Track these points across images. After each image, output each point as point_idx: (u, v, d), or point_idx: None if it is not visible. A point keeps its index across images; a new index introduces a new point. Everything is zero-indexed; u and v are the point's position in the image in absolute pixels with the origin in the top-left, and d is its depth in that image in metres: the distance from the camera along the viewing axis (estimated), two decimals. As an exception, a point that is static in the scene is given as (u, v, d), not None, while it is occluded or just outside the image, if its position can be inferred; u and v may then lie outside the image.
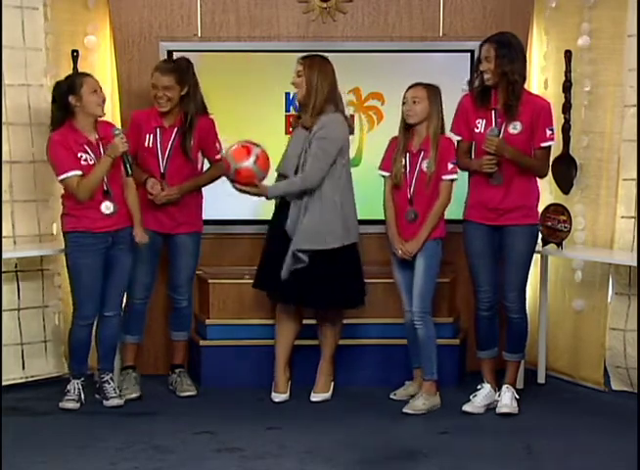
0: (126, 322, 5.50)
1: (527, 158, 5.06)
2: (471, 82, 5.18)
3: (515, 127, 5.05)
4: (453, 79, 5.46)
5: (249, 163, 5.11)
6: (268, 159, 5.17)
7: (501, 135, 5.04)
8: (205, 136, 5.43)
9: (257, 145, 5.16)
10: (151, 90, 5.34)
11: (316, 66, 5.23)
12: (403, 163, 5.19)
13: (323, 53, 5.32)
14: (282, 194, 5.25)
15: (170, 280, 5.55)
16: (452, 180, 5.16)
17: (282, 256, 5.22)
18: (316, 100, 5.21)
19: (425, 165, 5.15)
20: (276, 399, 5.38)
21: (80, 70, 5.56)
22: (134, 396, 5.40)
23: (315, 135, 5.20)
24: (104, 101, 5.14)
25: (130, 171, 5.12)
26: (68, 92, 5.04)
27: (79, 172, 5.02)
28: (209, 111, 5.46)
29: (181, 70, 5.35)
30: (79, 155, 5.04)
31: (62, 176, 5.04)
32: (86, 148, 5.06)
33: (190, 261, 5.51)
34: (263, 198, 5.27)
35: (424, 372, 5.27)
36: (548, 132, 5.07)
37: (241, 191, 5.19)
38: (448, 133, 5.21)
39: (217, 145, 5.47)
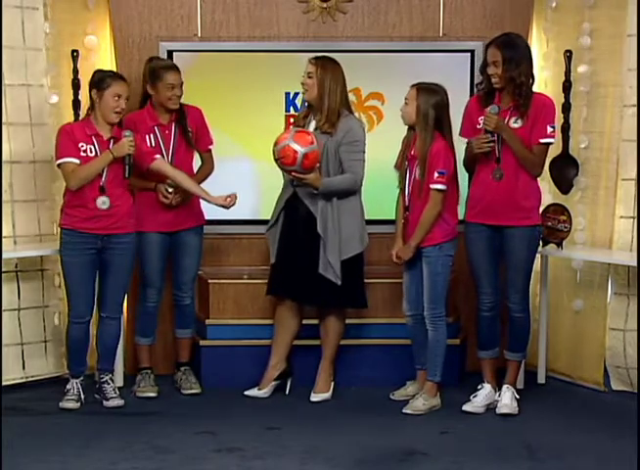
0: (140, 325, 5.56)
1: (524, 147, 5.02)
2: (480, 84, 5.15)
3: (516, 122, 5.05)
4: (453, 79, 5.46)
5: (314, 145, 5.10)
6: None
7: None
8: (200, 124, 5.48)
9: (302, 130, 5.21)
10: (164, 91, 5.31)
11: (329, 68, 5.22)
12: (406, 166, 5.18)
13: (323, 53, 5.33)
14: (333, 189, 5.21)
15: (175, 279, 5.56)
16: (438, 190, 5.08)
17: (298, 259, 5.24)
18: (330, 103, 5.21)
19: (417, 172, 5.13)
20: (247, 393, 5.39)
21: (80, 70, 5.57)
22: (152, 395, 5.45)
23: (344, 140, 5.21)
24: (122, 110, 5.11)
25: (128, 175, 5.12)
26: (94, 85, 5.08)
27: (76, 160, 5.03)
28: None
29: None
30: (80, 144, 5.05)
31: (58, 161, 5.08)
32: (93, 140, 5.07)
33: (194, 260, 5.53)
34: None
35: (427, 373, 5.27)
36: (549, 129, 5.04)
37: (299, 179, 5.14)
38: (457, 137, 5.17)
39: (210, 134, 5.52)
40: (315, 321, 5.45)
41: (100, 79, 5.09)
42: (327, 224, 5.22)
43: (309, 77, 5.24)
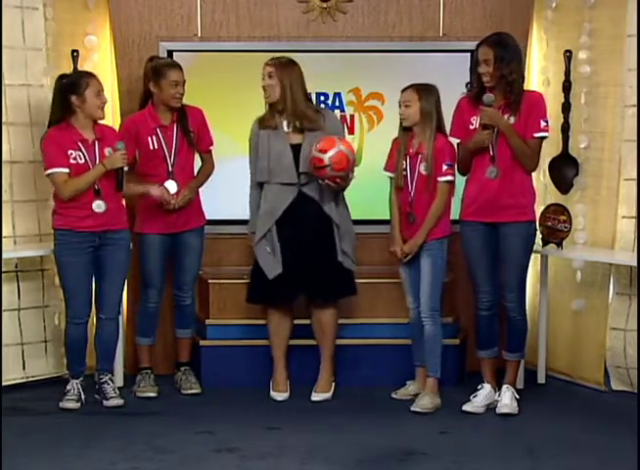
0: (141, 326, 5.57)
1: (520, 140, 5.03)
2: (470, 84, 5.18)
3: (508, 119, 5.05)
4: (453, 79, 5.46)
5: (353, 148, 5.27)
6: None
7: None
8: (201, 125, 5.48)
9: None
10: (167, 88, 5.31)
11: (287, 68, 5.23)
12: (404, 165, 5.20)
13: (323, 53, 5.34)
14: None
15: (176, 279, 5.56)
16: (448, 182, 5.15)
17: (311, 256, 5.28)
18: (294, 101, 5.22)
19: (422, 168, 5.16)
20: (279, 398, 5.40)
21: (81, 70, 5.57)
22: (152, 395, 5.45)
23: (335, 133, 5.26)
24: (105, 104, 5.14)
25: (121, 187, 5.13)
26: (72, 91, 5.05)
27: (66, 170, 5.04)
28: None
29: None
30: (70, 152, 5.06)
31: (48, 171, 5.07)
32: (80, 146, 5.07)
33: (196, 261, 5.54)
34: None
35: (427, 369, 5.27)
36: (542, 123, 5.06)
37: (340, 183, 5.21)
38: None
39: (210, 134, 5.52)
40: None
41: (75, 83, 5.06)
42: (340, 218, 5.30)
43: (269, 77, 5.23)
